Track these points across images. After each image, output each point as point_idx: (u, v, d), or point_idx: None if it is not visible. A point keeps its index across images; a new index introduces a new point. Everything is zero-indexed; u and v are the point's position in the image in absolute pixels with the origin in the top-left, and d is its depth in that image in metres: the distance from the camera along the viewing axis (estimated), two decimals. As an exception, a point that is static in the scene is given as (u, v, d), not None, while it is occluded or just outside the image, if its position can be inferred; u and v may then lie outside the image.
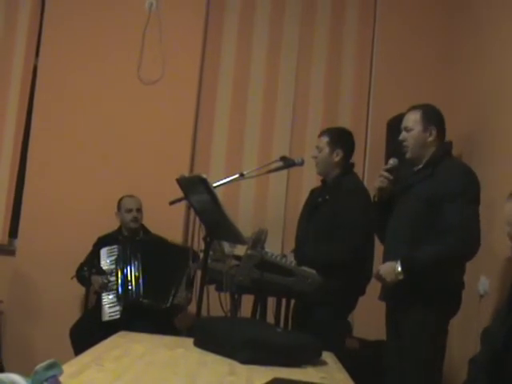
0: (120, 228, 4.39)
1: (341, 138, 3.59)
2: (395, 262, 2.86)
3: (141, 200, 4.39)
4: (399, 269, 2.83)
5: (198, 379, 1.84)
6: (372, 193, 3.28)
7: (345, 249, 3.34)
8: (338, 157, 3.54)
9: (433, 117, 3.03)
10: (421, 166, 3.03)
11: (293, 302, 3.49)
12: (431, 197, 2.88)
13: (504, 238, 3.18)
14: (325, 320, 3.29)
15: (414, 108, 3.07)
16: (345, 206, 3.40)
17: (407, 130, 3.03)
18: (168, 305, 4.04)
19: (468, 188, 2.88)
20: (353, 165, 3.63)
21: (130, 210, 4.32)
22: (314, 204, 3.59)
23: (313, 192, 3.76)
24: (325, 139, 3.57)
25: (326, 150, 3.54)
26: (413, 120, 3.02)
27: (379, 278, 2.95)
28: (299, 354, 2.16)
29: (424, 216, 2.89)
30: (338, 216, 3.39)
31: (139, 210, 4.35)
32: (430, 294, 2.84)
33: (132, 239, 4.29)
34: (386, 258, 3.04)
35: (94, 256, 4.21)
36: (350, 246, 3.35)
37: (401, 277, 2.84)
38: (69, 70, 4.80)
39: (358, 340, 4.04)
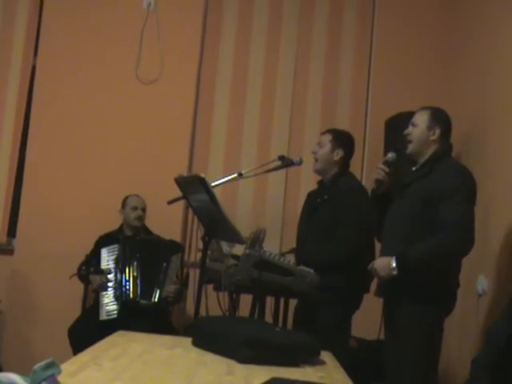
0: (121, 227, 4.39)
1: (343, 139, 3.63)
2: (391, 257, 2.89)
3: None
4: (394, 264, 2.86)
5: (196, 379, 1.84)
6: (370, 190, 3.31)
7: (346, 248, 3.36)
8: (337, 156, 3.57)
9: (440, 118, 3.07)
10: (419, 166, 3.06)
11: (293, 301, 3.49)
12: (426, 196, 2.91)
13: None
14: (328, 320, 3.31)
15: (425, 108, 3.13)
16: (345, 205, 3.41)
17: (413, 125, 3.10)
18: (155, 299, 4.05)
19: (463, 187, 2.90)
20: (348, 166, 3.65)
21: (135, 208, 4.33)
22: (313, 205, 3.60)
23: (310, 195, 3.78)
24: (328, 137, 3.61)
25: (328, 146, 3.57)
26: (421, 118, 3.08)
27: (373, 272, 2.98)
28: (298, 354, 2.15)
29: (420, 215, 2.91)
30: (338, 215, 3.41)
31: (144, 210, 4.36)
32: (425, 292, 2.86)
33: (132, 239, 4.29)
34: (382, 256, 3.07)
35: (94, 255, 4.22)
36: (351, 245, 3.36)
37: (395, 272, 2.86)
38: (67, 70, 4.79)
39: (356, 340, 4.04)
